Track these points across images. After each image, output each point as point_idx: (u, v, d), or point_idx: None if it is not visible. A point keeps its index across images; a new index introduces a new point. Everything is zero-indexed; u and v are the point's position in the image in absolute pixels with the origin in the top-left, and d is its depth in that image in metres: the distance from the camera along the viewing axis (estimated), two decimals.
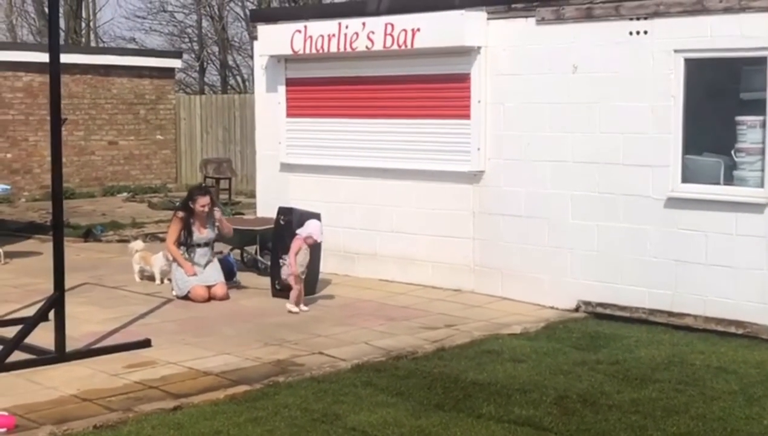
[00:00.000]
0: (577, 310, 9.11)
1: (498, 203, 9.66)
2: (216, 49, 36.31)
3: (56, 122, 7.12)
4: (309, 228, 9.18)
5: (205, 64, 36.69)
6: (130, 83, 21.61)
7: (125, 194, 20.50)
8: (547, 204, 9.31)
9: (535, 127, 9.36)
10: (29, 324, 7.17)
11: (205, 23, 35.56)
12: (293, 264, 9.05)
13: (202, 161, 19.85)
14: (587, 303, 9.08)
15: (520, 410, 6.18)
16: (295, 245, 9.12)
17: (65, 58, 20.11)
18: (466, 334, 8.21)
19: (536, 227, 9.39)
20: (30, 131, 20.02)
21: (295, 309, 9.04)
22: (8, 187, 13.31)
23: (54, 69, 7.03)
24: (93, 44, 33.95)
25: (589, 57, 8.97)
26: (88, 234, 14.24)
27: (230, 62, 35.84)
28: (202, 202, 9.81)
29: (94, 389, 6.58)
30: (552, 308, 9.21)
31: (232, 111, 21.38)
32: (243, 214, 15.20)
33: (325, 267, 10.31)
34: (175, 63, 23.31)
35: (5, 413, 5.80)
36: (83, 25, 34.36)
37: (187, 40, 36.48)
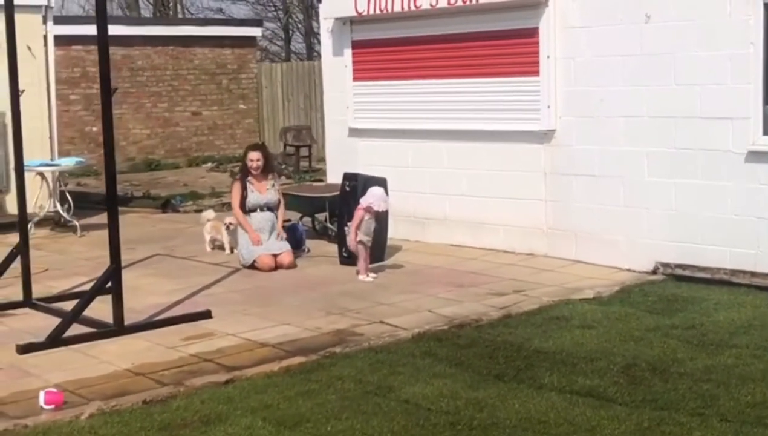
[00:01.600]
0: (654, 272, 8.70)
1: (570, 163, 9.28)
2: (301, 16, 36.30)
3: (107, 94, 7.05)
4: (369, 197, 8.94)
5: (290, 32, 36.75)
6: (212, 53, 21.67)
7: (210, 164, 20.61)
8: (622, 162, 8.89)
9: (608, 81, 8.93)
10: (86, 298, 7.13)
11: None
12: (353, 237, 8.85)
13: (281, 129, 19.81)
14: (665, 265, 8.66)
15: (584, 380, 5.86)
16: (357, 215, 8.90)
17: (147, 30, 20.57)
18: (535, 300, 7.90)
19: (611, 187, 8.98)
20: (114, 104, 20.16)
21: (368, 278, 8.84)
22: (82, 160, 13.38)
23: (102, 39, 6.93)
24: (180, 16, 34.27)
25: (662, 5, 8.49)
26: (167, 205, 14.33)
27: (315, 29, 35.75)
28: (251, 157, 9.76)
29: (148, 362, 6.49)
30: (628, 270, 8.82)
31: (312, 78, 21.26)
32: (321, 181, 15.08)
33: (396, 233, 10.10)
34: (256, 31, 23.32)
35: (54, 390, 5.74)
36: None
37: (272, 8, 36.59)
